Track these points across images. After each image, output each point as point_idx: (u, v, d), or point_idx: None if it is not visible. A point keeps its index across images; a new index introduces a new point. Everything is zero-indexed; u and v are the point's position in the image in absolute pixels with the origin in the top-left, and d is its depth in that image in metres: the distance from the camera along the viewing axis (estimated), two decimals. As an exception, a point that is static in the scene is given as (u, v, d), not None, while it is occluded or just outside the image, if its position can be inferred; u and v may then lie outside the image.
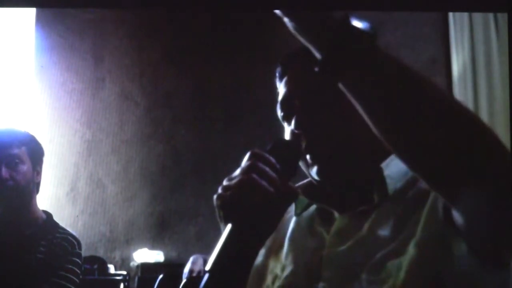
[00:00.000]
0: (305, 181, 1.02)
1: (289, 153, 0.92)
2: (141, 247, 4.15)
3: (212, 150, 4.20)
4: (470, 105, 4.18)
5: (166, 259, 4.13)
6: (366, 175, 0.95)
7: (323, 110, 0.95)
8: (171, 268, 3.88)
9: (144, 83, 4.41)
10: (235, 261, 0.86)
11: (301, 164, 0.97)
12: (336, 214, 0.97)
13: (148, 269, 3.94)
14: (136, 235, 4.24)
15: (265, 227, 0.88)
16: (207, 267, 0.82)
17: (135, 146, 4.33)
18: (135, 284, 3.61)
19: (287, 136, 0.99)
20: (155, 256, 4.11)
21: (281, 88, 1.01)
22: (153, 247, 4.18)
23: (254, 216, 0.84)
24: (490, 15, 4.15)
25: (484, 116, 4.13)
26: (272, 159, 0.87)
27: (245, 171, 0.85)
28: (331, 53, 0.75)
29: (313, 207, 1.02)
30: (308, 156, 0.96)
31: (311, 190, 1.00)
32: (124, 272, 3.66)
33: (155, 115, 4.39)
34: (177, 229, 4.20)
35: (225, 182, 0.87)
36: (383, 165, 0.94)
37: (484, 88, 4.15)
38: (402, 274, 0.83)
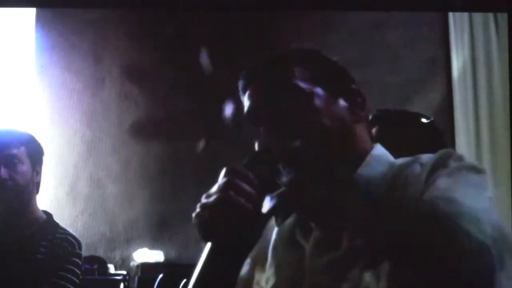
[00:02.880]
0: (281, 190, 0.99)
1: (266, 166, 0.90)
2: (141, 247, 4.15)
3: (212, 150, 4.19)
4: (470, 105, 4.19)
5: (166, 259, 4.13)
6: (340, 183, 0.92)
7: (290, 119, 0.93)
8: (171, 268, 3.88)
9: (144, 83, 4.41)
10: (216, 280, 0.86)
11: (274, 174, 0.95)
12: (313, 225, 0.95)
13: (148, 269, 3.94)
14: (136, 235, 4.24)
15: (245, 243, 0.88)
16: None
17: (135, 146, 4.33)
18: (135, 284, 3.61)
19: (256, 148, 0.97)
20: (155, 256, 4.11)
21: (245, 101, 1.00)
22: (153, 247, 4.18)
23: (233, 234, 0.84)
24: (490, 15, 4.15)
25: (484, 116, 4.13)
26: (249, 174, 0.85)
27: (221, 189, 0.84)
28: None
29: (293, 216, 1.00)
30: (280, 165, 0.93)
31: (288, 200, 0.97)
32: (124, 272, 3.66)
33: (155, 115, 4.39)
34: (177, 229, 4.20)
35: (203, 200, 0.86)
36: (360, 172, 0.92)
37: (484, 88, 4.15)
38: (382, 285, 0.82)
